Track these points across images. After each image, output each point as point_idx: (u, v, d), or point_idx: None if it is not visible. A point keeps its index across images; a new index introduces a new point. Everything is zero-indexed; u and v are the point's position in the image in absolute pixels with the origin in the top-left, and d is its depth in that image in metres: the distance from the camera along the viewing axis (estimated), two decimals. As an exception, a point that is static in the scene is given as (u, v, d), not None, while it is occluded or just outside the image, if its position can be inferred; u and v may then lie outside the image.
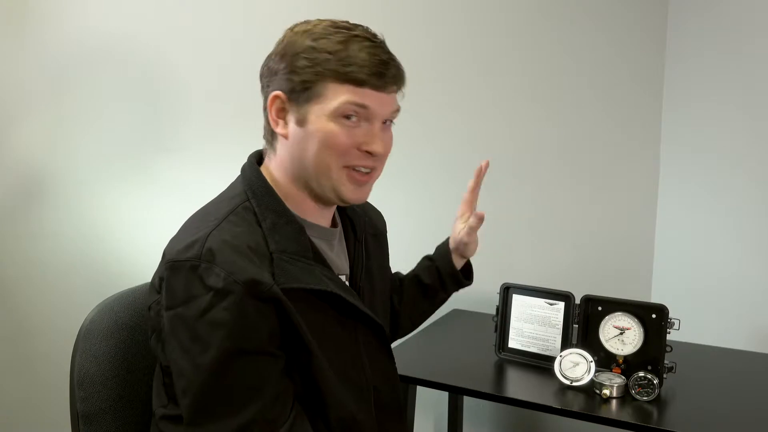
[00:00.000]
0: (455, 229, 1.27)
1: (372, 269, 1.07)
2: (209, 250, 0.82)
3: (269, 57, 0.93)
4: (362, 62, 0.87)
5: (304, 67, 0.88)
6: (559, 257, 1.99)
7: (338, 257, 1.00)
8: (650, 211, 2.05)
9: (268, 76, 0.92)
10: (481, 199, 1.93)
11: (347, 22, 0.92)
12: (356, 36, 0.89)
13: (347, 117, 0.89)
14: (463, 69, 1.85)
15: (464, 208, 1.27)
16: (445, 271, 1.27)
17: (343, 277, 1.00)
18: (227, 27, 1.61)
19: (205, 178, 1.61)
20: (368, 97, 0.89)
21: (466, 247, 1.27)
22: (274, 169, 0.95)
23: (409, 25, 1.78)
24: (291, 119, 0.90)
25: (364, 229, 1.07)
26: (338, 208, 1.05)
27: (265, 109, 0.93)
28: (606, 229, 2.03)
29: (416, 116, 1.78)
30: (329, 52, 0.87)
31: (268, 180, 0.94)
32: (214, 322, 0.81)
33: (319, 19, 0.92)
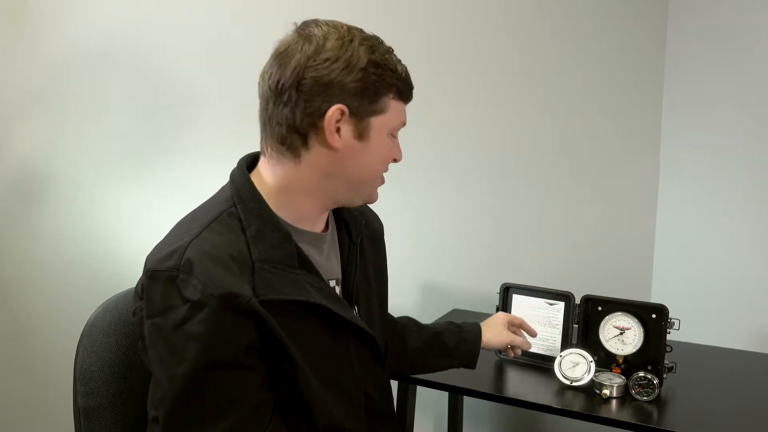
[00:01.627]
0: (501, 333, 1.28)
1: (368, 272, 1.06)
2: (188, 260, 0.82)
3: (309, 66, 0.86)
4: (408, 79, 0.93)
5: (375, 82, 0.88)
6: (559, 257, 1.99)
7: (328, 260, 0.99)
8: (650, 211, 2.05)
9: (314, 86, 0.86)
10: (481, 198, 1.94)
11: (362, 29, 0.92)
12: (390, 49, 0.92)
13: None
14: (463, 69, 1.85)
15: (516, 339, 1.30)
16: (469, 347, 1.23)
17: (333, 282, 0.99)
18: (228, 27, 1.61)
19: (205, 179, 1.60)
20: (405, 113, 0.96)
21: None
22: (284, 175, 0.91)
23: (409, 25, 1.78)
24: (347, 132, 0.89)
25: (360, 231, 1.06)
26: (333, 210, 1.04)
27: (304, 118, 0.87)
28: (606, 229, 2.03)
29: (415, 116, 1.77)
30: (391, 69, 0.89)
31: (259, 185, 0.91)
32: (189, 334, 0.80)
33: (345, 25, 0.90)
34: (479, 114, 1.89)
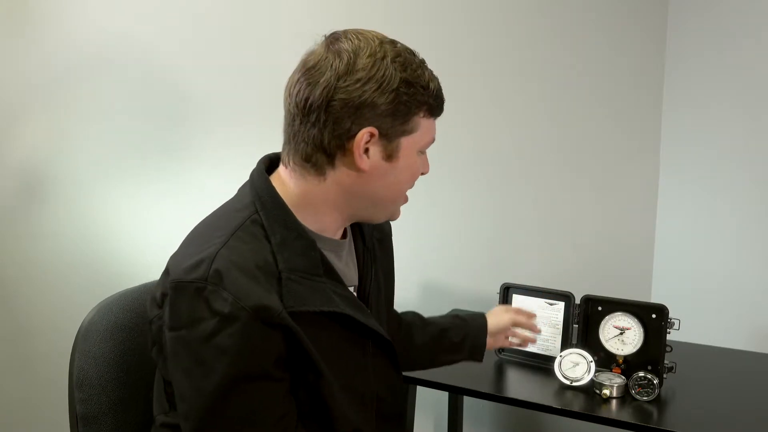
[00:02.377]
0: (503, 316, 1.30)
1: (379, 276, 1.06)
2: (216, 271, 0.80)
3: (339, 86, 0.83)
4: (440, 94, 0.90)
5: (406, 102, 0.85)
6: (559, 257, 1.99)
7: (347, 267, 0.98)
8: (650, 211, 2.05)
9: (344, 108, 0.83)
10: (481, 198, 1.94)
11: (394, 39, 0.89)
12: (423, 62, 0.89)
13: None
14: (463, 69, 1.85)
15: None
16: (473, 341, 1.24)
17: (352, 288, 0.98)
18: (229, 28, 1.61)
19: (205, 179, 1.61)
20: (435, 128, 0.94)
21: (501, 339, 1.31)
22: (307, 189, 0.89)
23: (409, 25, 1.78)
24: (375, 153, 0.87)
25: (371, 234, 1.05)
26: None
27: (332, 140, 0.85)
28: (606, 229, 2.03)
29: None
30: (422, 86, 0.86)
31: (280, 191, 0.89)
32: (219, 347, 0.79)
33: (376, 37, 0.86)
34: (479, 114, 1.89)
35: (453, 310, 1.86)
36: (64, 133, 1.52)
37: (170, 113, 1.60)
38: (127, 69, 1.54)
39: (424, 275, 1.89)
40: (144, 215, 1.57)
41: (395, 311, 1.25)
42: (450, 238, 1.90)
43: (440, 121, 1.96)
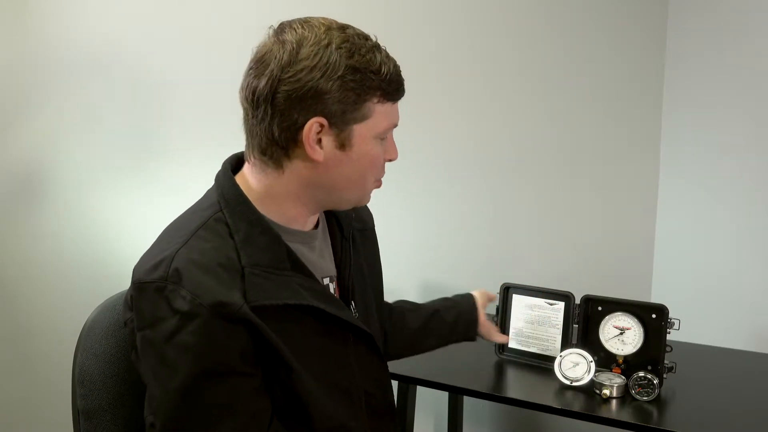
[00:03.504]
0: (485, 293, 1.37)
1: (362, 266, 1.05)
2: (175, 270, 0.80)
3: (282, 78, 0.82)
4: (394, 78, 0.87)
5: (354, 89, 0.83)
6: (559, 257, 1.99)
7: (321, 257, 0.97)
8: (650, 211, 2.05)
9: (288, 100, 0.83)
10: (481, 198, 1.94)
11: (346, 24, 0.88)
12: (376, 46, 0.87)
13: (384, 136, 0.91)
14: (463, 69, 1.85)
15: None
16: (467, 318, 1.29)
17: (327, 279, 0.98)
18: (227, 28, 1.61)
19: (206, 178, 1.60)
20: (396, 112, 0.91)
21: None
22: (269, 183, 0.89)
23: (409, 25, 1.78)
24: (328, 143, 0.86)
25: (350, 225, 1.04)
26: None
27: (281, 132, 0.85)
28: (606, 229, 2.03)
29: (416, 116, 1.78)
30: (372, 72, 0.84)
31: (245, 188, 0.90)
32: (180, 345, 0.79)
33: (323, 24, 0.85)
34: (479, 114, 1.89)
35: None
36: (64, 133, 1.52)
37: (171, 113, 1.60)
38: (128, 68, 1.54)
39: (424, 275, 1.89)
40: (144, 214, 1.57)
41: (387, 303, 1.23)
42: (449, 237, 1.90)
43: (441, 121, 1.96)
